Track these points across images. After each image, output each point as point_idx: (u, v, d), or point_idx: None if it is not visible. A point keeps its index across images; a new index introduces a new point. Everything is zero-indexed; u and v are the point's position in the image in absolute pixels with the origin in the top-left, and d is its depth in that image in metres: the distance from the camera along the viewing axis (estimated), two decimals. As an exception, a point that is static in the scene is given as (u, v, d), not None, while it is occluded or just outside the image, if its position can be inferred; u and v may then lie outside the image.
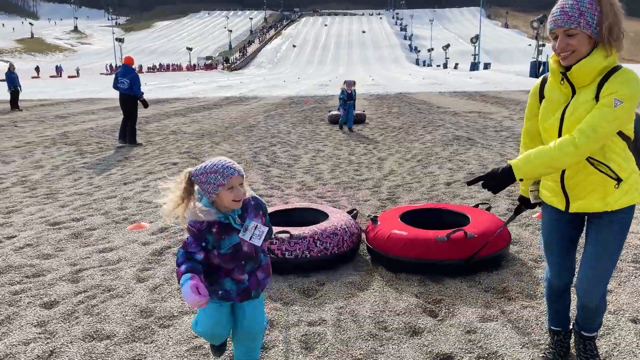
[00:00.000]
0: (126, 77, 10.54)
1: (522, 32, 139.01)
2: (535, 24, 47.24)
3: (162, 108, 20.02)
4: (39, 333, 3.00)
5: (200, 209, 2.08)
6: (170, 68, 75.47)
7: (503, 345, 2.78)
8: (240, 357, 2.42)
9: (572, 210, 2.27)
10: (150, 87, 36.49)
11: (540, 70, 43.27)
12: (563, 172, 2.22)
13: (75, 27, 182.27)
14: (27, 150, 10.25)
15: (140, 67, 70.46)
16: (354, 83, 12.58)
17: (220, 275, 2.17)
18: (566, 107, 2.17)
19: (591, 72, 2.08)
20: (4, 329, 3.07)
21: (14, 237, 4.84)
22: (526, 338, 2.84)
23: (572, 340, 2.60)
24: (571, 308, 2.60)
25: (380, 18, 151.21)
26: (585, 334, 2.43)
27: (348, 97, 12.11)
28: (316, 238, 3.70)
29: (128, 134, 10.70)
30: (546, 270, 2.52)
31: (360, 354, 2.72)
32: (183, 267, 2.04)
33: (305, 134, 11.79)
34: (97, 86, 38.91)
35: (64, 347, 2.84)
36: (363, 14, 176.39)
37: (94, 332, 3.00)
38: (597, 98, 2.08)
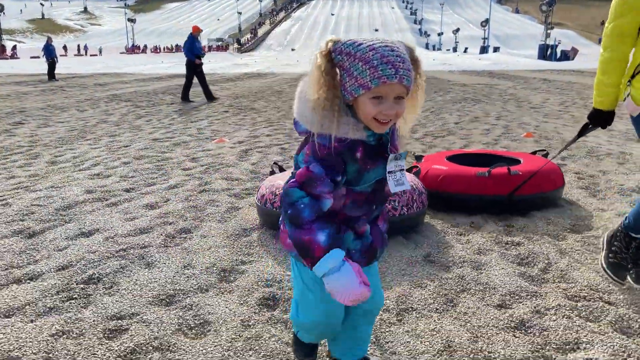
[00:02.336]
0: (186, 44, 12.22)
1: (533, 17, 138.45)
2: (544, 7, 48.20)
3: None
4: (189, 178, 4.64)
5: (343, 118, 1.32)
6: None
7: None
8: (348, 351, 1.68)
9: None
10: (169, 64, 37.96)
11: (548, 53, 44.44)
12: None
13: (85, 8, 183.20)
14: (92, 103, 11.87)
15: (145, 46, 72.39)
16: None
17: (339, 225, 1.45)
18: None
19: None
20: (162, 179, 4.70)
21: (129, 146, 6.46)
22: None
23: None
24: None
25: (392, 8, 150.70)
26: None
27: None
28: None
29: (203, 92, 12.29)
30: None
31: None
32: (322, 238, 1.29)
33: (330, 97, 13.31)
34: (119, 63, 40.48)
35: (213, 181, 4.47)
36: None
37: (224, 177, 4.63)
38: None
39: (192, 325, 2.11)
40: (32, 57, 46.68)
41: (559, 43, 49.18)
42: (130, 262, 2.73)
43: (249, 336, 2.03)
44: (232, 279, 2.56)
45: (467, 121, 8.34)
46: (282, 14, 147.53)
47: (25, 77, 24.35)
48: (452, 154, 4.19)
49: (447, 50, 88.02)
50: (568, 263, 2.72)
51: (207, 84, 12.47)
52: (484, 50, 64.76)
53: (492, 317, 2.18)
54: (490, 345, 1.98)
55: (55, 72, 22.96)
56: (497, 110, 9.71)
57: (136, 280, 2.51)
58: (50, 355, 1.89)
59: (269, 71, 29.22)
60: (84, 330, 2.06)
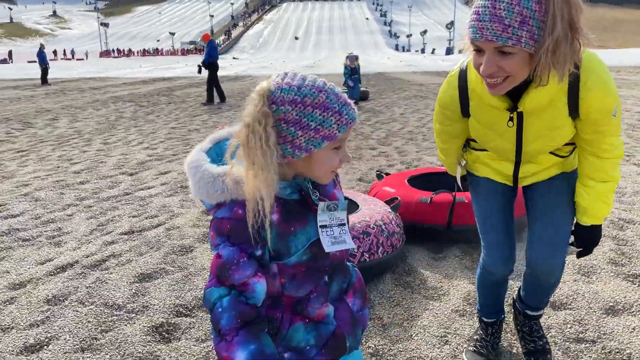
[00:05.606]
0: (206, 51, 14.24)
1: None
2: (501, 11, 51.55)
3: (170, 83, 23.62)
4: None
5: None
6: (164, 52, 78.86)
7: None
8: None
9: (520, 184, 1.92)
10: (149, 68, 39.72)
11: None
12: (517, 166, 1.84)
13: (54, 12, 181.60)
14: (101, 104, 13.95)
15: (130, 50, 73.83)
16: (356, 58, 12.56)
17: (281, 319, 1.14)
18: (520, 128, 1.69)
19: (548, 96, 1.56)
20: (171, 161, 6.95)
21: (155, 132, 8.67)
22: (419, 146, 6.81)
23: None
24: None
25: (367, 19, 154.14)
26: (531, 313, 2.12)
27: (352, 71, 12.23)
28: None
29: (210, 92, 13.98)
30: (482, 257, 2.04)
31: (350, 150, 6.68)
32: (242, 356, 1.02)
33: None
34: (100, 67, 42.06)
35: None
36: (344, 0, 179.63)
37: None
38: (573, 113, 1.61)
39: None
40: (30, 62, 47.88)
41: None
42: (198, 181, 5.04)
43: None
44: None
45: (409, 112, 10.80)
46: (254, 16, 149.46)
47: (16, 82, 25.97)
48: (416, 173, 4.03)
49: (416, 51, 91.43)
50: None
51: (216, 87, 14.00)
52: (449, 51, 68.19)
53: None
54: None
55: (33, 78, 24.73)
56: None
57: (206, 186, 4.83)
58: (182, 209, 4.21)
59: (246, 74, 31.38)
60: (190, 206, 4.37)
